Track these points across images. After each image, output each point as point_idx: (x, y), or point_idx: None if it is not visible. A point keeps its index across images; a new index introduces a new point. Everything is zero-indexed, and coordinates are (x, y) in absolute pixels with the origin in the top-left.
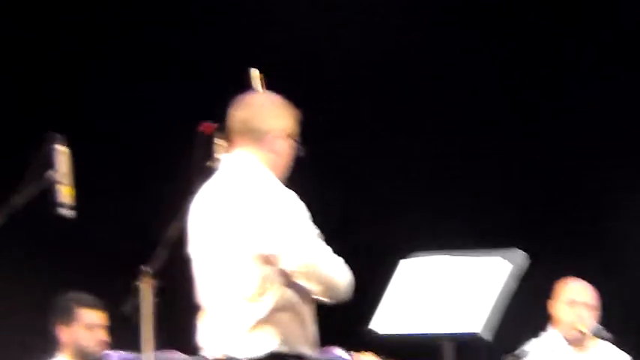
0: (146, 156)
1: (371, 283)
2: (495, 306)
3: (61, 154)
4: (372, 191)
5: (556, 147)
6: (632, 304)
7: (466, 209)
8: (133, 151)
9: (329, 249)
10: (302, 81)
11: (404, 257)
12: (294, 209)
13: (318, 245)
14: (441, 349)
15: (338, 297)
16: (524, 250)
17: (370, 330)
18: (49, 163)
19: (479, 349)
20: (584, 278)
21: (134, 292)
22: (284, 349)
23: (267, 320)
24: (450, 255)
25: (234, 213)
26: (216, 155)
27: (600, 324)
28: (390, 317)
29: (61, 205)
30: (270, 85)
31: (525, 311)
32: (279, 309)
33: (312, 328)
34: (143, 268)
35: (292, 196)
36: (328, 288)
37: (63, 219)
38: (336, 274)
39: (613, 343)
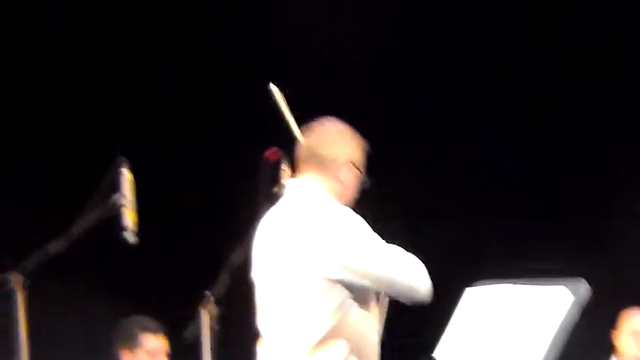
0: (212, 183)
1: (436, 310)
2: (557, 337)
3: (127, 179)
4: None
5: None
6: None
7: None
8: (198, 177)
9: (404, 252)
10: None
11: (469, 285)
12: (360, 226)
13: (392, 254)
14: None
15: (418, 300)
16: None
17: (434, 358)
18: (115, 188)
19: None
20: None
21: (196, 318)
22: None
23: (326, 343)
24: (515, 284)
25: (299, 237)
26: (282, 181)
27: None
28: (454, 347)
29: (126, 230)
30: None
31: (588, 341)
32: (339, 331)
33: (373, 350)
34: (206, 293)
35: (356, 216)
36: (408, 294)
37: (127, 244)
38: (414, 280)
39: None
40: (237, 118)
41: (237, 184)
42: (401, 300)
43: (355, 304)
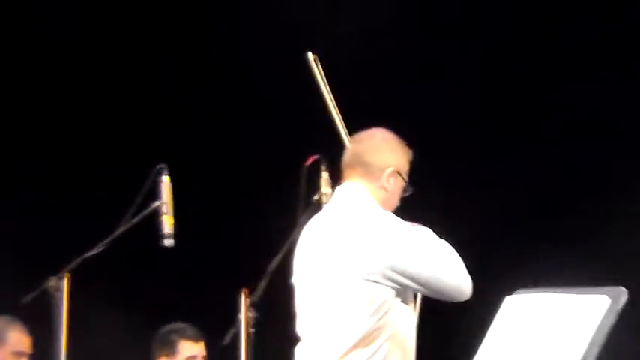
0: (252, 189)
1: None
2: (594, 345)
3: (166, 186)
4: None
5: None
6: None
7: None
8: (237, 183)
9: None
10: None
11: (509, 293)
12: (407, 229)
13: (439, 256)
14: None
15: (461, 300)
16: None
17: None
18: (154, 194)
19: None
20: None
21: (234, 323)
22: None
23: (365, 343)
24: (555, 292)
25: (344, 239)
26: (322, 188)
27: None
28: (492, 355)
29: (165, 237)
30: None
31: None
32: (379, 332)
33: (411, 352)
34: (243, 298)
35: (400, 220)
36: (453, 294)
37: (165, 249)
38: (460, 280)
39: None
40: (279, 124)
41: (277, 191)
42: (442, 299)
43: (397, 304)
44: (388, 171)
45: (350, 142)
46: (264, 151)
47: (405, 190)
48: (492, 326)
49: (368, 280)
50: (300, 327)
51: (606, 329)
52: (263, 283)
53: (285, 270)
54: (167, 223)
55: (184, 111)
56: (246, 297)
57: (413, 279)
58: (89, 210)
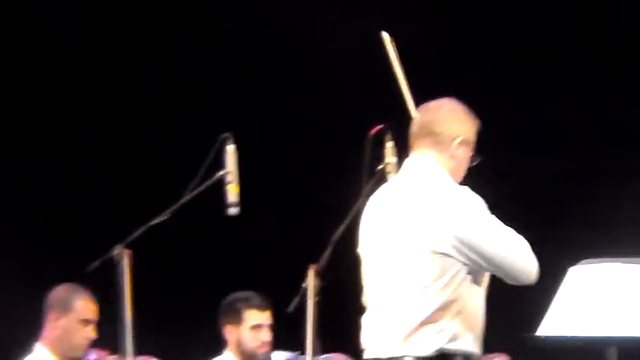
0: (316, 158)
1: (537, 290)
2: None
3: (231, 155)
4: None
5: None
6: None
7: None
8: (302, 152)
9: (517, 235)
10: None
11: (573, 264)
12: (474, 202)
13: (508, 235)
14: (604, 356)
15: (525, 283)
16: None
17: (533, 336)
18: (220, 163)
19: None
20: None
21: (300, 292)
22: (452, 347)
23: (435, 318)
24: (621, 262)
25: (413, 209)
26: (386, 158)
27: None
28: (556, 323)
29: (230, 206)
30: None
31: None
32: (448, 306)
33: (480, 327)
34: (309, 268)
35: (470, 192)
36: (517, 276)
37: (230, 218)
38: (527, 262)
39: None
40: (339, 93)
41: (342, 160)
42: (506, 280)
43: (467, 279)
44: (457, 140)
45: (418, 112)
46: (329, 121)
47: (472, 160)
48: (556, 297)
49: (437, 252)
50: (369, 298)
51: None
52: (328, 252)
53: (349, 239)
54: (232, 192)
55: (250, 83)
56: (312, 266)
57: (480, 254)
58: (155, 179)
